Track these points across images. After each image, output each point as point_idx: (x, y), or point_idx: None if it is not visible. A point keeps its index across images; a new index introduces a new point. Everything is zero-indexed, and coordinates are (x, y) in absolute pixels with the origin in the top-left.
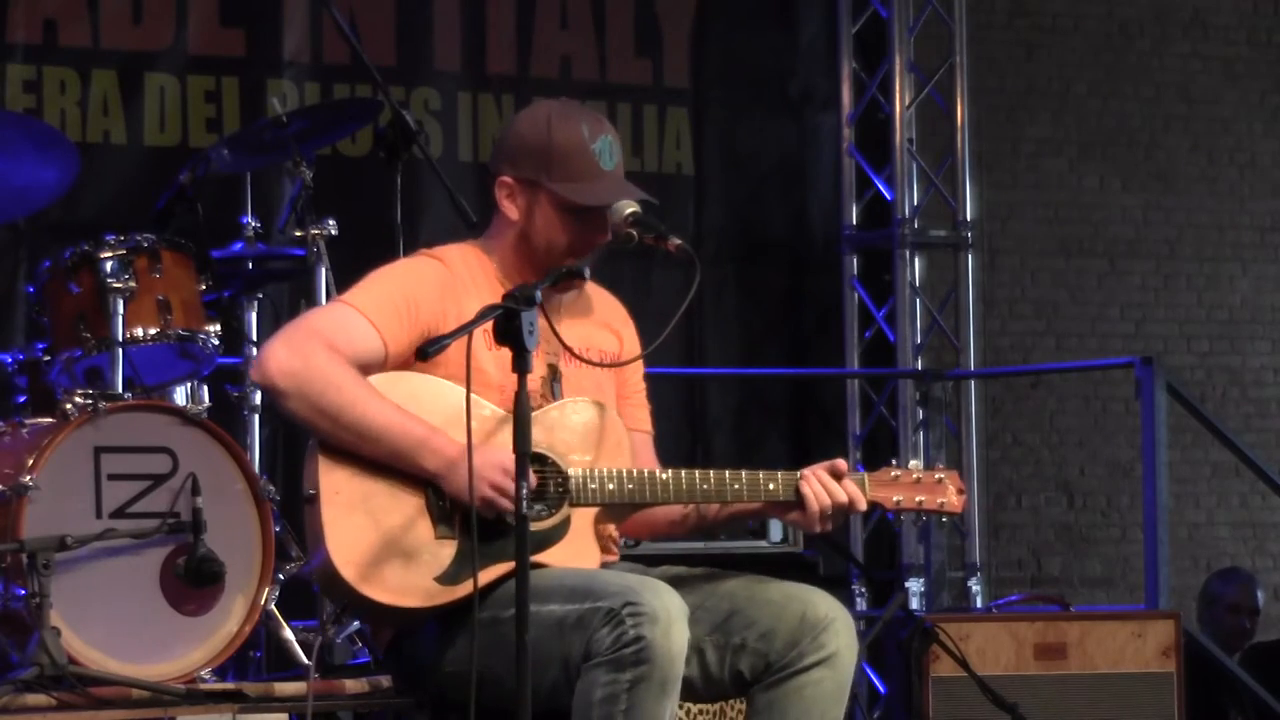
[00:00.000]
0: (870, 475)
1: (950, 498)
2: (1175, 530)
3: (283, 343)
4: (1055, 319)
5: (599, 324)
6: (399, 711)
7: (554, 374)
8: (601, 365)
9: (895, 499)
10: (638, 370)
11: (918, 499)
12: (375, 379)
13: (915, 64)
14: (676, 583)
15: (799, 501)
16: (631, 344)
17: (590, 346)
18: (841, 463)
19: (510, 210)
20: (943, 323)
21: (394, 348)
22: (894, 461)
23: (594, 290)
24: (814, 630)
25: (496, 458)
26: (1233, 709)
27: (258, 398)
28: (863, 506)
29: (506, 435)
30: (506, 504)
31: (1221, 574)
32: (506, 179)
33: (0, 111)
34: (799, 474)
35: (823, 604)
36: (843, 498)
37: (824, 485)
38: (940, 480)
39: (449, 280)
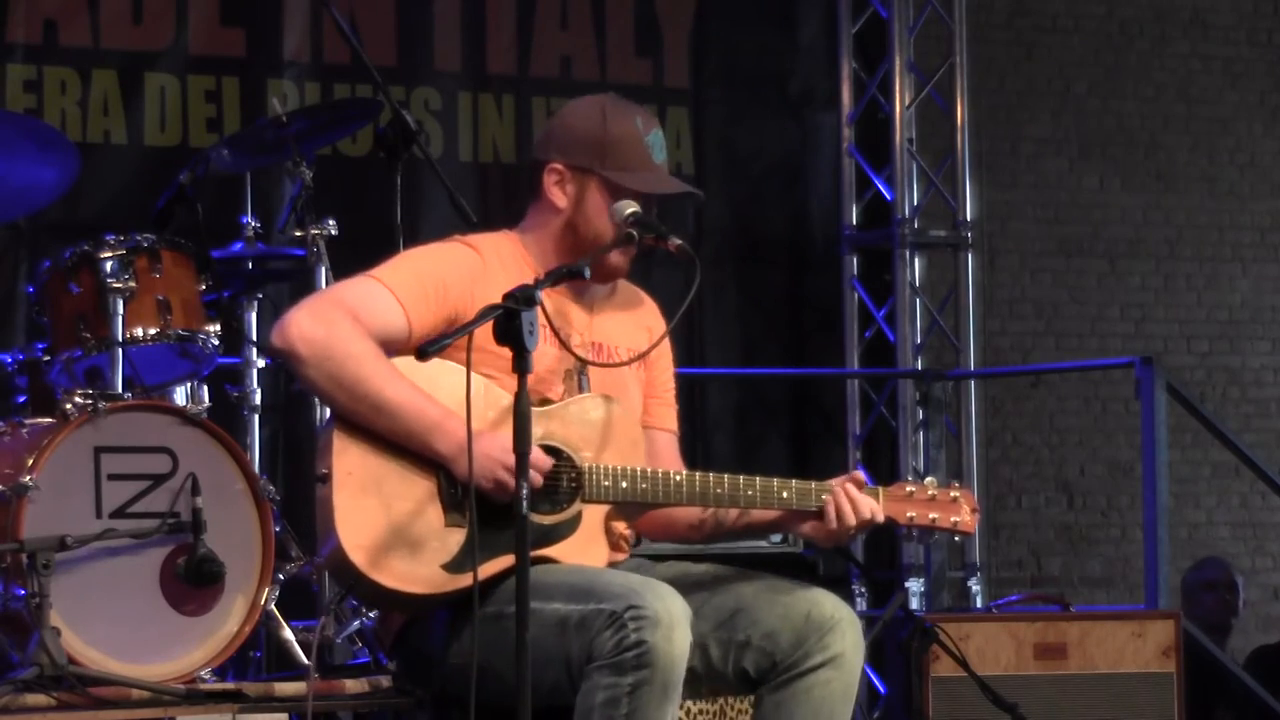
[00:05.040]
0: (884, 490)
1: (964, 516)
2: (1175, 530)
3: (307, 310)
4: (1055, 319)
5: (632, 322)
6: (399, 711)
7: (581, 367)
8: (601, 364)
9: (909, 515)
10: (667, 369)
11: (931, 516)
12: (395, 362)
13: (915, 64)
14: (682, 580)
15: (818, 513)
16: (661, 344)
17: (620, 343)
18: (859, 475)
19: (559, 198)
20: (943, 323)
21: (418, 328)
22: (909, 478)
23: (629, 288)
24: (820, 630)
25: (509, 442)
26: (1220, 707)
27: (258, 398)
28: (880, 520)
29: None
30: (507, 479)
31: (1193, 565)
32: (557, 165)
33: (0, 111)
34: (828, 485)
35: (829, 604)
36: (866, 514)
37: (852, 501)
38: (955, 499)
39: (480, 267)
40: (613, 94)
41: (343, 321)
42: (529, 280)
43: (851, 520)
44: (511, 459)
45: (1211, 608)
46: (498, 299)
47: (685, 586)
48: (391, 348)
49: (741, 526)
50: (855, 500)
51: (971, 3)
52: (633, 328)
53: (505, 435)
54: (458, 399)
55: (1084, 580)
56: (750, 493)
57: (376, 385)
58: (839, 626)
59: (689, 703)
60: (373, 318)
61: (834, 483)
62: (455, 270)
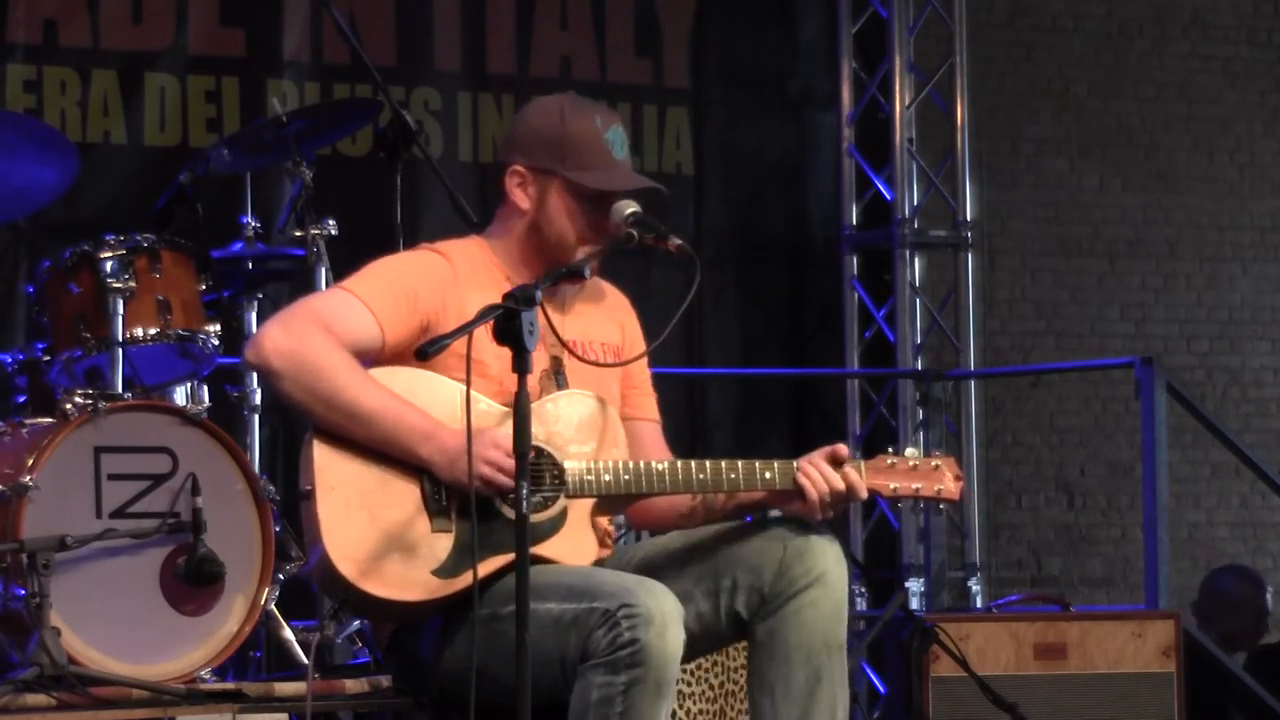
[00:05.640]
0: (867, 463)
1: (947, 484)
2: (1175, 530)
3: (280, 324)
4: (1055, 319)
5: (603, 316)
6: (399, 711)
7: (557, 366)
8: (600, 365)
9: (892, 486)
10: (643, 360)
11: (914, 486)
12: (372, 373)
13: (915, 64)
14: (660, 553)
15: (799, 490)
16: (634, 335)
17: (594, 339)
18: (842, 448)
19: (521, 200)
20: (943, 323)
21: (391, 337)
22: (890, 449)
23: (597, 283)
24: (799, 554)
25: (492, 436)
26: (1233, 708)
27: (258, 398)
28: (863, 494)
29: (505, 428)
30: (505, 480)
31: (1227, 570)
32: (519, 168)
33: (0, 111)
34: (795, 463)
35: (803, 528)
36: (840, 486)
37: (822, 474)
38: (937, 467)
39: (450, 274)
40: (572, 93)
41: (315, 334)
42: (499, 285)
43: (824, 489)
44: (495, 455)
45: (1236, 623)
46: (468, 305)
47: (664, 557)
48: (365, 358)
49: (731, 508)
50: (825, 474)
51: (971, 3)
52: (604, 322)
53: (488, 431)
54: (438, 411)
55: (1084, 580)
56: (733, 476)
57: (352, 394)
58: (818, 547)
59: (689, 702)
60: (346, 329)
61: (804, 458)
62: (425, 278)
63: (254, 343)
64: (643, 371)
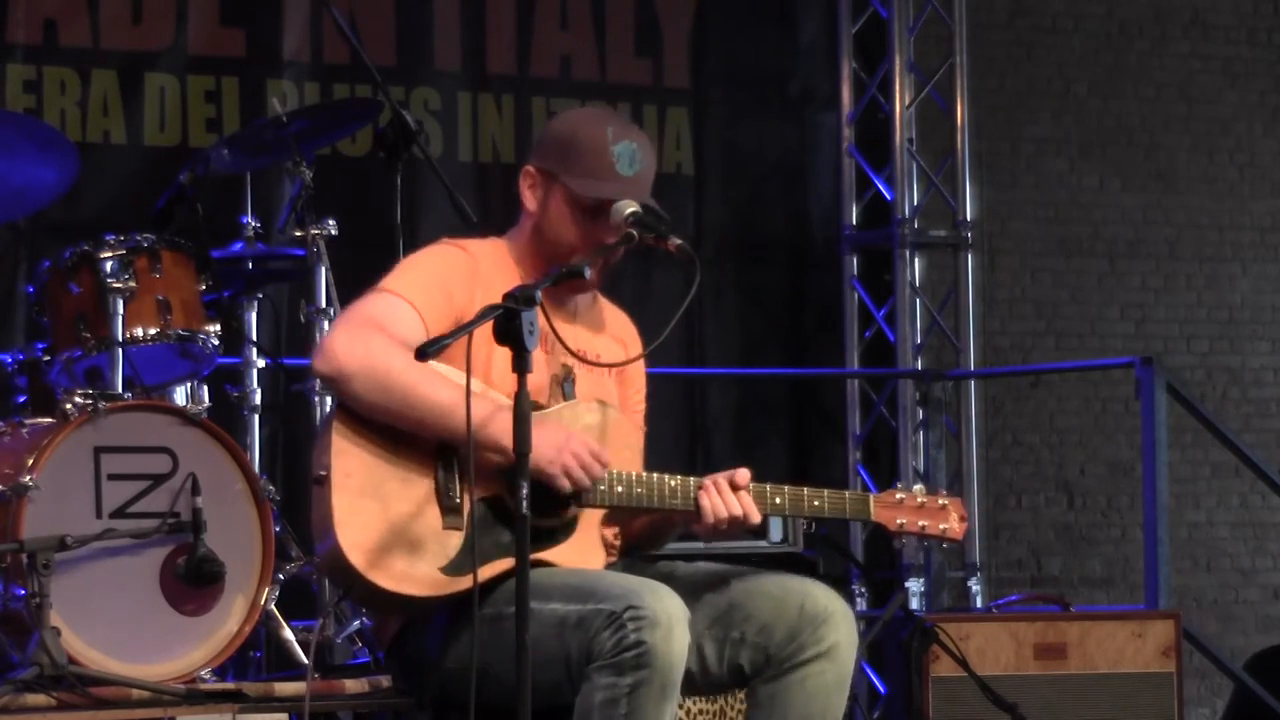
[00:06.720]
0: (875, 496)
1: (952, 524)
2: (1175, 530)
3: (342, 332)
4: (1055, 319)
5: (609, 335)
6: (399, 711)
7: (567, 374)
8: (600, 365)
9: (898, 521)
10: (641, 389)
11: (920, 523)
12: None
13: (915, 64)
14: (675, 579)
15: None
16: (638, 363)
17: (601, 353)
18: (743, 473)
19: (529, 201)
20: (943, 323)
21: (435, 333)
22: (898, 484)
23: (606, 304)
24: (813, 623)
25: (579, 433)
26: None
27: (257, 398)
28: (756, 520)
29: (539, 424)
30: (581, 477)
31: None
32: (530, 168)
33: (0, 111)
34: (698, 482)
35: (822, 596)
36: (738, 511)
37: (722, 497)
38: (944, 506)
39: (474, 268)
40: (607, 107)
41: (377, 337)
42: (515, 283)
43: (723, 515)
44: (580, 450)
45: None
46: (495, 299)
47: (678, 585)
48: None
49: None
50: (724, 497)
51: (971, 3)
52: (610, 340)
53: (565, 429)
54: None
55: (1084, 580)
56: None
57: (426, 390)
58: (833, 618)
59: (689, 702)
60: (398, 330)
61: (707, 480)
62: (456, 273)
63: (323, 351)
64: (639, 401)
